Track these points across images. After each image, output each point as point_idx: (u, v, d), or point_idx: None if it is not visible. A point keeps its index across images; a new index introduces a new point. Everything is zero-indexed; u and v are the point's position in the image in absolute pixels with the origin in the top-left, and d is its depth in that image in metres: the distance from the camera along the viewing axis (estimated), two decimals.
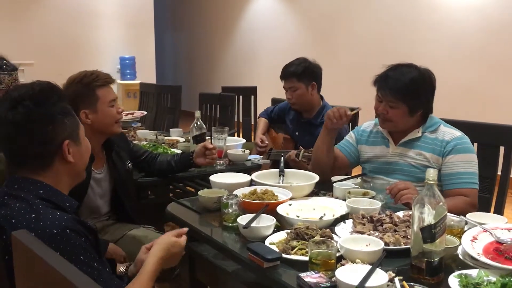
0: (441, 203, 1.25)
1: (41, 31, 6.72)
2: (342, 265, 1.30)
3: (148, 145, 2.79)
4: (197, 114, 2.61)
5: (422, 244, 1.25)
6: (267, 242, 1.47)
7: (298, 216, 1.65)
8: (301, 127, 2.95)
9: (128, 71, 7.44)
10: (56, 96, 1.28)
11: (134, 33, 7.55)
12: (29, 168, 1.25)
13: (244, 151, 2.69)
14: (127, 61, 7.47)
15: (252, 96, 4.93)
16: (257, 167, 2.63)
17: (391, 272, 1.26)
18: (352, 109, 2.22)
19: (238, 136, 4.48)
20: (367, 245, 1.39)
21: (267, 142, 3.00)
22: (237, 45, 8.57)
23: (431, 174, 1.27)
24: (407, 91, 1.96)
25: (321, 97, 2.94)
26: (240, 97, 4.71)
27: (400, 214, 1.65)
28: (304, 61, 2.85)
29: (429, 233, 1.23)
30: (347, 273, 1.21)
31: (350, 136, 2.29)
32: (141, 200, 2.49)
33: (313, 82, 2.83)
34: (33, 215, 1.15)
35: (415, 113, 2.01)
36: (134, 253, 2.05)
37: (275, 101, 3.67)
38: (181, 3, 9.99)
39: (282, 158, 2.15)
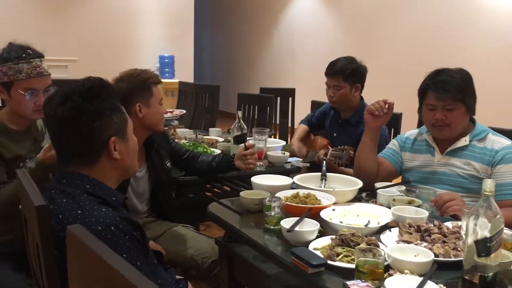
0: (498, 216, 1.20)
1: (85, 28, 6.88)
2: (390, 275, 1.26)
3: (188, 144, 2.80)
4: (239, 114, 2.60)
5: (476, 258, 1.20)
6: (310, 247, 1.45)
7: (341, 222, 1.61)
8: (339, 127, 2.91)
9: (166, 69, 7.52)
10: (106, 93, 1.29)
11: (174, 32, 7.64)
12: (76, 163, 1.26)
13: (284, 153, 2.67)
14: (166, 60, 7.55)
15: (290, 98, 4.90)
16: (297, 170, 2.61)
17: (441, 285, 1.22)
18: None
19: (275, 138, 4.46)
20: (415, 256, 1.35)
21: (303, 150, 2.99)
22: (276, 46, 8.56)
23: (488, 185, 1.22)
24: (464, 89, 1.95)
25: (361, 98, 2.89)
26: (278, 98, 4.69)
27: (449, 224, 1.59)
28: (352, 61, 2.80)
29: (484, 246, 1.18)
30: (396, 283, 1.17)
31: (394, 144, 2.24)
32: (180, 198, 2.50)
33: (358, 84, 2.79)
34: (79, 211, 1.17)
35: (472, 112, 1.99)
36: (173, 251, 2.08)
37: (314, 103, 3.64)
38: (220, 3, 10.06)
39: (324, 162, 2.13)
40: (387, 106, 2.05)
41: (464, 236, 1.48)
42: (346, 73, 2.75)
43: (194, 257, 2.08)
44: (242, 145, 2.54)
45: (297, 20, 7.99)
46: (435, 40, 5.63)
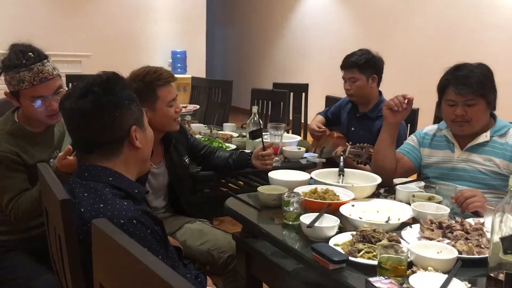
0: None
1: (98, 24, 6.90)
2: (413, 271, 1.25)
3: (203, 139, 2.80)
4: (254, 109, 2.59)
5: (502, 255, 1.18)
6: (331, 243, 1.44)
7: (361, 218, 1.60)
8: (357, 121, 2.89)
9: (179, 65, 7.53)
10: (122, 84, 1.31)
11: (186, 28, 7.64)
12: (99, 155, 1.27)
13: (299, 148, 2.66)
14: (178, 55, 7.56)
15: (303, 94, 4.88)
16: (313, 166, 2.60)
17: (466, 283, 1.20)
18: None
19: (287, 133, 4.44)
20: (438, 253, 1.34)
21: (323, 127, 2.96)
22: (287, 41, 8.53)
23: None
24: (485, 84, 1.92)
25: (380, 93, 2.87)
26: (291, 94, 4.66)
27: (471, 221, 1.57)
28: (367, 52, 2.78)
29: (511, 243, 1.16)
30: (421, 281, 1.16)
31: (412, 140, 2.21)
32: (196, 193, 2.50)
33: (374, 75, 2.77)
34: (102, 205, 1.17)
35: (492, 107, 1.96)
36: (190, 245, 2.08)
37: (329, 99, 3.62)
38: None
39: (342, 157, 2.11)
40: (406, 101, 2.03)
41: (487, 233, 1.46)
42: (361, 64, 2.73)
43: (211, 251, 2.08)
44: (258, 141, 2.53)
45: (309, 15, 7.95)
46: (451, 35, 5.57)
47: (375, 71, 2.77)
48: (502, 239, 1.17)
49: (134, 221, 1.14)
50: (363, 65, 2.73)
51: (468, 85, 1.91)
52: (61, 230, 1.07)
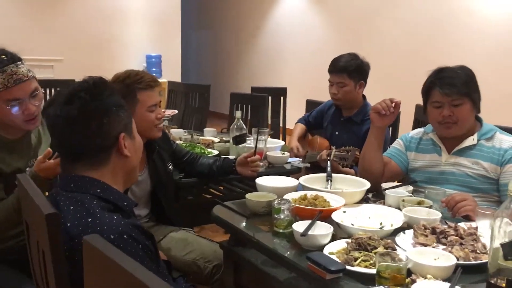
0: None
1: (71, 27, 6.73)
2: (412, 280, 1.22)
3: (184, 145, 2.73)
4: (238, 114, 2.55)
5: (501, 261, 1.17)
6: (326, 251, 1.40)
7: (353, 224, 1.57)
8: (341, 125, 2.87)
9: (154, 69, 7.40)
10: (109, 89, 1.25)
11: (160, 31, 7.53)
12: (85, 164, 1.19)
13: (283, 153, 2.62)
14: (153, 59, 7.45)
15: (282, 97, 4.86)
16: (297, 171, 2.56)
17: None
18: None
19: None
20: (435, 259, 1.31)
21: (302, 151, 2.93)
22: (264, 45, 8.50)
23: None
24: (470, 84, 1.94)
25: (364, 97, 2.86)
26: (269, 98, 4.63)
27: (463, 225, 1.56)
28: (356, 57, 2.76)
29: (511, 249, 1.15)
30: None
31: (398, 143, 2.20)
32: (180, 201, 2.43)
33: (362, 81, 2.76)
34: (90, 219, 1.10)
35: (477, 109, 1.97)
36: (174, 256, 2.01)
37: (309, 103, 3.60)
38: (207, 1, 9.97)
39: (329, 162, 2.08)
40: (393, 105, 2.02)
41: (481, 238, 1.45)
42: (351, 69, 2.71)
43: (196, 261, 2.02)
44: (241, 146, 2.49)
45: (285, 19, 7.95)
46: (425, 39, 5.64)
47: (363, 77, 2.76)
48: (503, 245, 1.16)
49: (125, 236, 1.07)
50: (353, 71, 2.71)
51: (453, 85, 1.92)
52: (46, 246, 1.00)
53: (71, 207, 1.13)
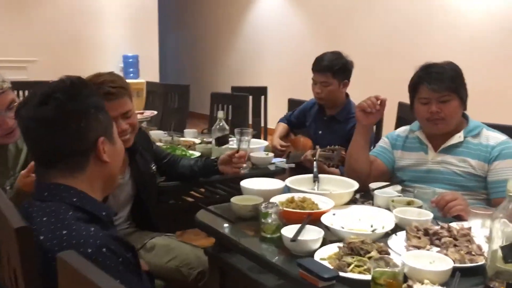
0: None
1: (45, 28, 6.55)
2: (409, 286, 1.17)
3: (165, 147, 2.65)
4: (220, 114, 2.47)
5: (500, 264, 1.13)
6: (317, 257, 1.34)
7: (343, 227, 1.51)
8: (324, 124, 2.82)
9: (131, 69, 7.27)
10: (88, 90, 1.16)
11: (137, 31, 7.40)
12: (61, 170, 1.11)
13: (267, 154, 2.56)
14: (130, 60, 7.31)
15: (262, 97, 4.80)
16: (282, 171, 2.50)
17: None
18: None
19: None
20: (430, 263, 1.27)
21: (285, 144, 2.87)
22: (243, 44, 8.43)
23: None
24: (457, 79, 1.91)
25: (347, 95, 2.82)
26: (250, 97, 4.56)
27: (454, 225, 1.51)
28: (340, 56, 2.71)
29: (511, 252, 1.11)
30: None
31: (384, 142, 2.16)
32: (161, 205, 2.34)
33: (346, 80, 2.71)
34: (65, 232, 1.00)
35: (465, 105, 1.94)
36: (156, 263, 1.93)
37: (291, 102, 3.54)
38: (184, 1, 9.84)
39: (315, 162, 2.03)
40: (379, 102, 1.97)
41: (474, 239, 1.41)
42: (336, 69, 2.66)
43: (179, 268, 1.93)
44: (224, 147, 2.42)
45: (263, 18, 7.89)
46: (403, 37, 5.64)
47: (347, 76, 2.73)
48: (502, 247, 1.11)
49: (104, 249, 0.99)
50: (337, 71, 2.67)
51: (441, 81, 1.89)
52: (17, 264, 0.91)
53: (44, 219, 1.04)
